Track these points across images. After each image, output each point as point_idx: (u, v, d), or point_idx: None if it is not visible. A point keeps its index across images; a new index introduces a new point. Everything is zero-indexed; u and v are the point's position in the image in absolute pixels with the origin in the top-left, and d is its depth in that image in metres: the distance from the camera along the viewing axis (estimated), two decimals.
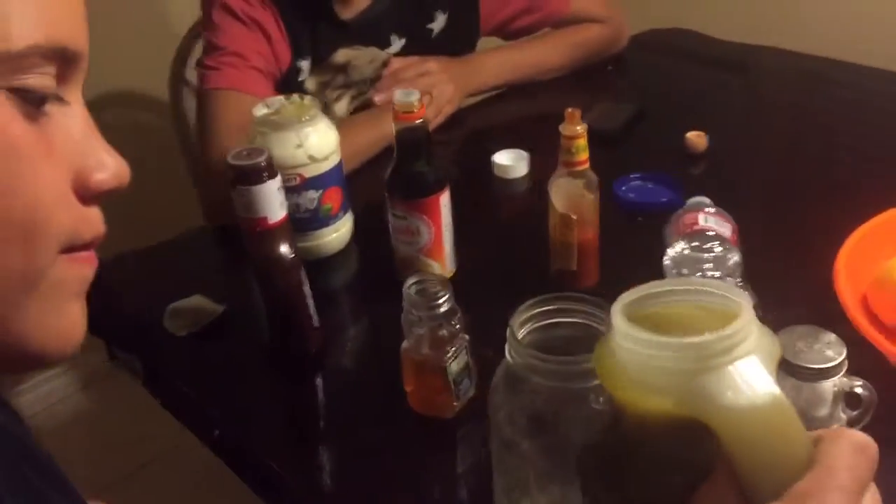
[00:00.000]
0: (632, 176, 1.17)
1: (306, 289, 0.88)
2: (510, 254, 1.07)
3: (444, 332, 0.78)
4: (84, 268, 0.44)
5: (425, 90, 1.31)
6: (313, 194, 1.02)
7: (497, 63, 1.44)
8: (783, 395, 0.43)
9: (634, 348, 0.45)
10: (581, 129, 0.89)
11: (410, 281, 0.79)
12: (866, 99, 1.41)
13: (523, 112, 1.48)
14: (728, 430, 0.42)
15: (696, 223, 0.94)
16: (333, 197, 1.04)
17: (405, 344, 0.81)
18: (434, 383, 0.80)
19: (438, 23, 1.42)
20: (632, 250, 1.01)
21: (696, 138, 1.23)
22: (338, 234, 1.07)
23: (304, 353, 0.90)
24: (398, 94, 0.90)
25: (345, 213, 1.07)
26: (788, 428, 0.43)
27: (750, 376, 0.42)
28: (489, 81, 1.44)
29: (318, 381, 0.92)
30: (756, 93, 1.50)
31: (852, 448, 0.41)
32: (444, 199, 0.94)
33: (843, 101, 1.40)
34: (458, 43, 1.44)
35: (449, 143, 1.36)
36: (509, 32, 1.50)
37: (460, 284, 0.95)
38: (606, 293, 0.96)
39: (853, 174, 1.19)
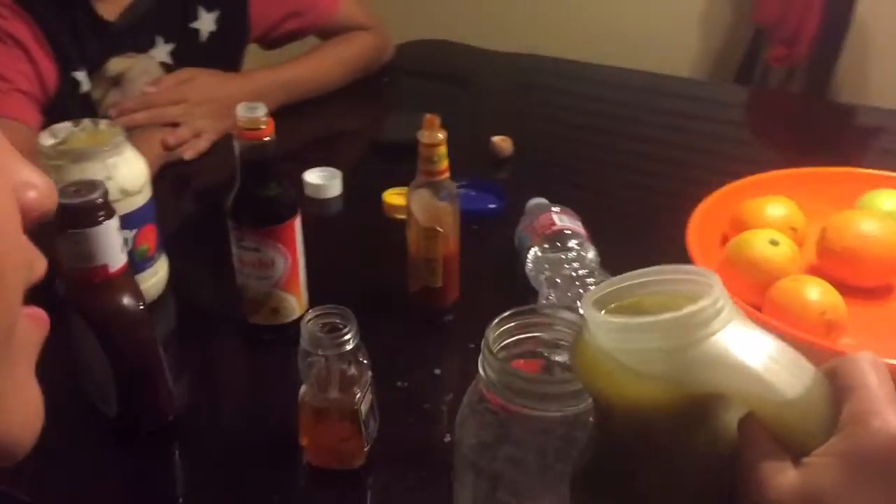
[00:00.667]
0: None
1: (159, 345, 0.74)
2: (360, 278, 0.99)
3: (352, 370, 0.69)
4: (40, 328, 0.34)
5: (174, 121, 1.20)
6: (127, 234, 0.86)
7: (268, 84, 1.34)
8: (780, 340, 0.42)
9: (618, 338, 0.42)
10: (442, 135, 0.85)
11: (309, 317, 0.69)
12: (632, 96, 1.51)
13: (316, 130, 1.39)
14: (745, 388, 0.41)
15: (554, 224, 0.94)
16: (149, 236, 0.90)
17: (304, 390, 0.70)
18: (342, 430, 0.71)
19: (205, 23, 1.31)
20: (480, 260, 0.98)
21: (502, 142, 1.23)
22: (156, 278, 0.92)
23: (161, 423, 0.76)
24: (241, 109, 0.79)
25: (160, 253, 0.93)
26: (799, 365, 0.42)
27: (742, 334, 0.41)
28: (272, 106, 1.34)
29: (181, 453, 0.77)
30: (535, 97, 1.55)
31: (871, 364, 0.42)
32: (298, 225, 0.85)
33: (615, 101, 1.49)
34: (227, 48, 1.34)
35: None
36: (278, 37, 1.41)
37: None
38: (472, 306, 0.94)
39: (664, 160, 1.27)
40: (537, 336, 0.57)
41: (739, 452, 0.42)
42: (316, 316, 0.69)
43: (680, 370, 0.41)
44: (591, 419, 0.54)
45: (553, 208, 0.97)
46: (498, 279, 0.99)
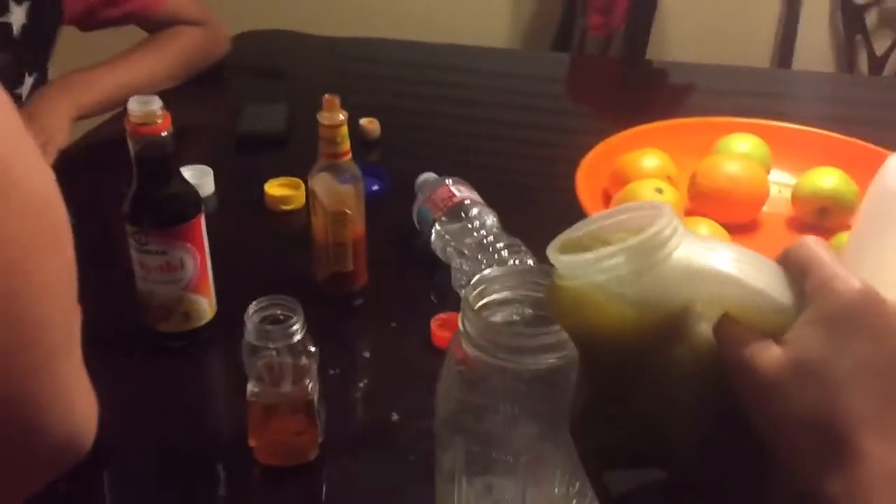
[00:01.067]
0: None
1: None
2: (260, 274, 0.95)
3: (304, 360, 0.67)
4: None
5: None
6: None
7: (102, 86, 1.25)
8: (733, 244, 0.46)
9: (589, 272, 0.44)
10: (343, 116, 0.83)
11: (251, 311, 0.66)
12: (465, 72, 1.55)
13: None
14: (716, 289, 0.43)
15: (454, 195, 0.95)
16: None
17: (253, 388, 0.67)
18: (295, 424, 0.69)
19: (17, 16, 1.19)
20: (376, 241, 0.97)
21: (370, 124, 1.22)
22: None
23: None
24: (133, 103, 0.73)
25: None
26: (757, 258, 0.45)
27: (700, 245, 0.44)
28: (95, 109, 1.25)
29: (117, 480, 0.72)
30: (382, 79, 1.54)
31: (817, 243, 0.43)
32: (203, 222, 0.80)
33: (453, 79, 1.52)
34: (41, 40, 1.24)
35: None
36: (91, 24, 1.31)
37: (228, 318, 0.83)
38: (381, 287, 0.93)
39: (527, 126, 1.31)
40: (514, 294, 0.58)
41: (721, 352, 0.43)
42: (258, 309, 0.66)
43: (652, 290, 0.43)
44: (575, 368, 0.56)
45: (447, 180, 0.98)
46: (400, 258, 0.99)
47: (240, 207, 1.09)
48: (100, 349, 0.74)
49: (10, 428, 0.29)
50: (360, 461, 0.72)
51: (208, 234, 0.86)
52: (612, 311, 0.44)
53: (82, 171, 1.15)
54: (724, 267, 0.43)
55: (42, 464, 0.31)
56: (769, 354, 0.41)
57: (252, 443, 0.70)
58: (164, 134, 0.75)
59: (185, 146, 1.26)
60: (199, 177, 1.09)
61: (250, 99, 1.34)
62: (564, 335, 0.54)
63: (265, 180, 1.10)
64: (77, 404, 0.32)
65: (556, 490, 0.61)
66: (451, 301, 0.89)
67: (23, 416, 0.29)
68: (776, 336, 0.42)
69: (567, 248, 0.47)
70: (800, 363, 0.40)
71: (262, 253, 1.00)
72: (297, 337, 0.66)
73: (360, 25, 1.70)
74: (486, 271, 0.57)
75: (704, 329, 0.44)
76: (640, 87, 1.53)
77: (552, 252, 0.46)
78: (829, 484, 0.38)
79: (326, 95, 0.82)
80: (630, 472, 0.48)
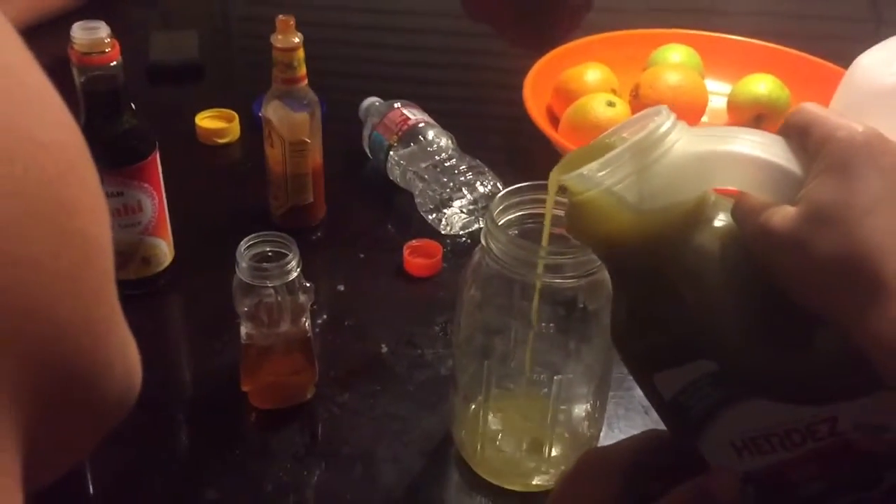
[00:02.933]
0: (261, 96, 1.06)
1: None
2: (211, 212, 0.90)
3: (301, 297, 0.64)
4: None
5: None
6: None
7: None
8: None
9: (600, 180, 0.43)
10: (298, 39, 0.78)
11: (243, 248, 0.62)
12: None
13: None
14: (729, 170, 0.44)
15: (408, 119, 0.91)
16: None
17: (248, 330, 0.64)
18: (293, 364, 0.66)
19: None
20: (329, 169, 0.93)
21: None
22: None
23: None
24: (76, 30, 0.66)
25: None
26: (759, 133, 0.45)
27: (702, 133, 0.45)
28: None
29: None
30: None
31: (813, 105, 0.43)
32: (158, 159, 0.74)
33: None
34: None
35: None
36: None
37: (186, 262, 0.79)
38: (340, 217, 0.90)
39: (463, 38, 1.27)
40: (536, 212, 0.56)
41: (741, 230, 0.43)
42: (249, 246, 0.62)
43: (661, 186, 0.43)
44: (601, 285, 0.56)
45: (396, 104, 0.94)
46: (354, 186, 0.95)
47: (170, 143, 0.99)
48: None
49: (77, 361, 0.24)
50: (357, 396, 0.70)
51: None
52: (628, 215, 0.44)
53: None
54: (730, 147, 0.43)
55: (102, 410, 0.27)
56: (784, 213, 0.40)
57: (245, 387, 0.67)
58: (113, 63, 0.68)
59: None
60: (186, 39, 1.02)
61: (150, 25, 1.25)
62: (588, 252, 0.54)
63: (188, 114, 1.03)
64: (129, 339, 0.28)
65: (581, 407, 0.61)
66: (416, 227, 0.87)
67: (89, 346, 0.25)
68: (790, 199, 0.42)
69: (575, 164, 0.46)
70: (815, 212, 0.39)
71: (207, 189, 0.94)
72: (294, 274, 0.62)
73: None
74: (508, 189, 0.56)
75: (722, 216, 0.44)
76: (545, 4, 1.52)
77: (557, 170, 0.46)
78: (871, 325, 0.37)
79: (280, 16, 0.77)
80: (679, 371, 0.48)
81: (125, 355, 0.28)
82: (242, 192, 0.92)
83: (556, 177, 0.48)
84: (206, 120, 1.00)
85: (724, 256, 0.45)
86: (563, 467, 0.62)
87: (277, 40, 0.78)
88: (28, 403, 0.22)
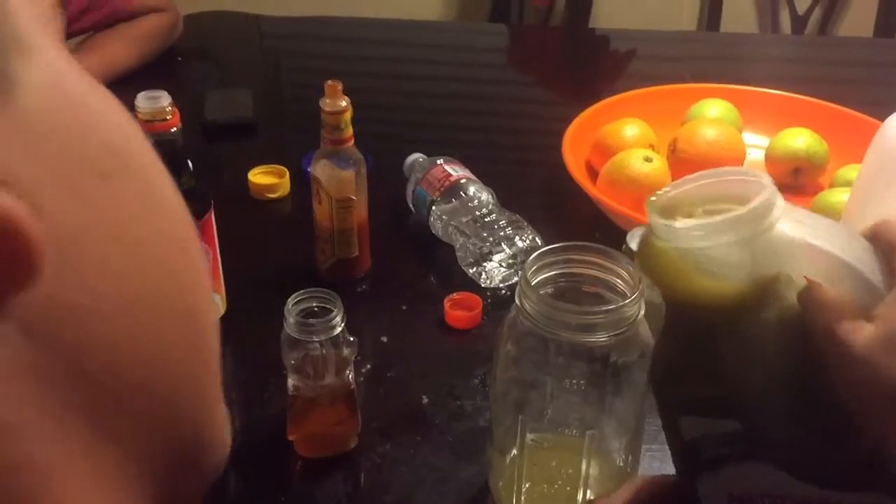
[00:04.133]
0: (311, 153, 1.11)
1: None
2: (261, 265, 0.94)
3: (345, 351, 0.67)
4: None
5: None
6: None
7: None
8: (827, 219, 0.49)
9: (693, 238, 0.45)
10: (345, 102, 0.82)
11: (291, 304, 0.66)
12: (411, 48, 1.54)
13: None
14: (814, 262, 0.45)
15: (450, 175, 0.95)
16: None
17: (294, 382, 0.67)
18: (337, 415, 0.69)
19: None
20: (374, 225, 0.97)
21: None
22: None
23: None
24: (140, 100, 0.71)
25: None
26: (850, 234, 0.47)
27: (800, 216, 0.46)
28: None
29: None
30: (337, 58, 1.52)
31: None
32: (213, 217, 0.79)
33: (402, 55, 1.51)
34: None
35: None
36: (69, 35, 1.27)
37: (238, 314, 0.83)
38: (385, 270, 0.93)
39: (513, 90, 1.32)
40: (568, 271, 0.59)
41: (810, 318, 0.45)
42: (296, 302, 0.66)
43: (751, 258, 0.45)
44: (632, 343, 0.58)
45: (439, 160, 0.98)
46: (398, 240, 0.99)
47: (224, 198, 1.05)
48: None
49: (197, 434, 0.27)
50: (398, 446, 0.72)
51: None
52: (702, 277, 0.46)
53: None
54: (821, 241, 0.45)
55: (209, 470, 0.30)
56: (862, 330, 0.43)
57: (291, 436, 0.70)
58: (173, 130, 0.73)
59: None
60: (242, 96, 1.07)
61: (207, 84, 1.31)
62: (621, 312, 0.56)
63: (240, 169, 1.08)
64: (224, 414, 0.31)
65: (614, 461, 0.63)
66: (458, 280, 0.90)
67: (206, 420, 0.28)
68: (864, 310, 0.44)
69: (668, 204, 0.48)
70: (890, 339, 0.42)
71: (258, 243, 0.99)
72: (339, 329, 0.66)
73: (284, 4, 1.66)
74: (542, 249, 0.58)
75: (794, 297, 0.46)
76: (587, 55, 1.56)
77: (654, 213, 0.47)
78: None
79: (329, 81, 0.81)
80: (705, 420, 0.51)
81: (222, 430, 0.30)
82: (291, 245, 0.96)
83: (654, 215, 0.48)
84: (259, 175, 1.05)
85: (780, 336, 0.47)
86: None
87: (326, 104, 0.82)
88: (159, 473, 0.25)
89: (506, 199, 0.95)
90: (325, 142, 0.84)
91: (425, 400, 0.77)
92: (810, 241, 0.45)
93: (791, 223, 0.45)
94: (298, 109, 1.33)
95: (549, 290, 0.59)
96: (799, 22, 2.27)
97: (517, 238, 0.88)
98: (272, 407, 0.74)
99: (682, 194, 0.49)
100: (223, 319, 0.83)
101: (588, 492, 0.63)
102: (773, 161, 1.05)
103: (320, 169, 0.85)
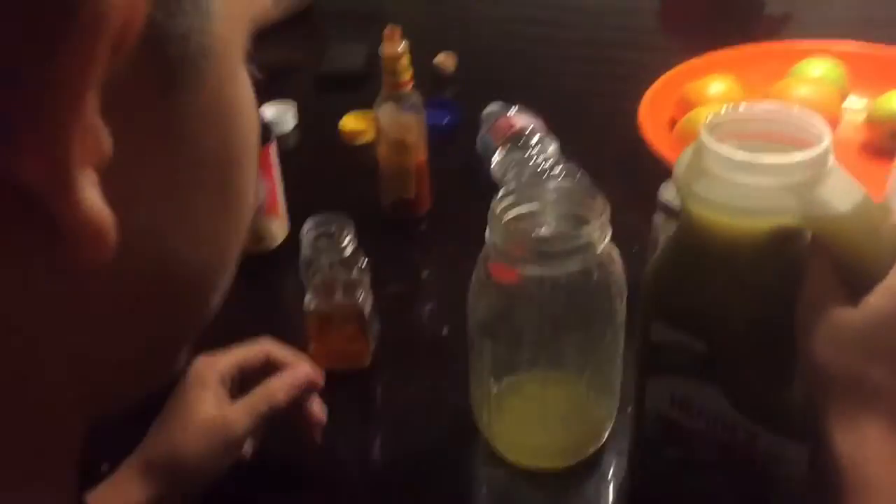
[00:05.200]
0: None
1: None
2: (332, 201, 1.01)
3: (354, 274, 0.72)
4: None
5: None
6: None
7: None
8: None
9: (741, 174, 0.46)
10: (403, 47, 0.87)
11: (307, 227, 0.72)
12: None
13: (258, 64, 1.38)
14: (841, 232, 0.46)
15: (514, 124, 0.97)
16: None
17: (309, 299, 0.74)
18: (348, 333, 0.75)
19: None
20: (444, 171, 1.01)
21: (446, 59, 1.26)
22: None
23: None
24: None
25: None
26: (880, 206, 0.48)
27: (846, 181, 0.47)
28: None
29: None
30: (458, 12, 1.56)
31: None
32: (274, 150, 0.87)
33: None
34: None
35: None
36: None
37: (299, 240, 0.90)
38: (444, 214, 0.97)
39: (610, 48, 1.32)
40: (540, 207, 0.61)
41: (807, 285, 0.46)
42: (314, 226, 0.72)
43: (790, 204, 0.46)
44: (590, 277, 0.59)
45: (510, 109, 1.01)
46: (465, 187, 1.02)
47: (317, 141, 1.15)
48: None
49: (199, 289, 0.30)
50: (411, 369, 0.77)
51: (288, 165, 0.93)
52: (739, 211, 0.47)
53: None
54: (861, 208, 0.46)
55: (172, 364, 0.34)
56: (843, 316, 0.44)
57: (310, 350, 0.76)
58: None
59: (270, 83, 1.33)
60: (282, 113, 1.16)
61: (336, 39, 1.40)
62: (583, 242, 0.57)
63: (341, 116, 1.15)
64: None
65: (578, 389, 0.65)
66: None
67: (212, 283, 0.31)
68: (856, 291, 0.44)
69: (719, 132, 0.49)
70: (866, 338, 0.43)
71: (336, 182, 1.06)
72: (348, 252, 0.71)
73: None
74: (510, 185, 0.61)
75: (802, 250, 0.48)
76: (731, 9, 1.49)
77: (708, 134, 0.48)
78: (837, 437, 0.43)
79: (387, 28, 0.86)
80: (677, 332, 0.53)
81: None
82: (365, 185, 1.02)
83: (704, 132, 0.49)
84: (349, 122, 1.12)
85: (778, 276, 0.49)
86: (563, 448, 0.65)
87: (385, 49, 0.87)
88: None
89: (581, 153, 0.95)
90: (385, 86, 0.89)
91: (445, 331, 0.81)
92: (850, 207, 0.46)
93: (838, 177, 0.46)
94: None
95: (521, 223, 0.61)
96: None
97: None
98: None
99: (739, 119, 0.51)
100: (285, 245, 0.91)
101: (559, 424, 0.65)
102: (872, 123, 0.98)
103: (381, 111, 0.90)
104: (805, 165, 0.46)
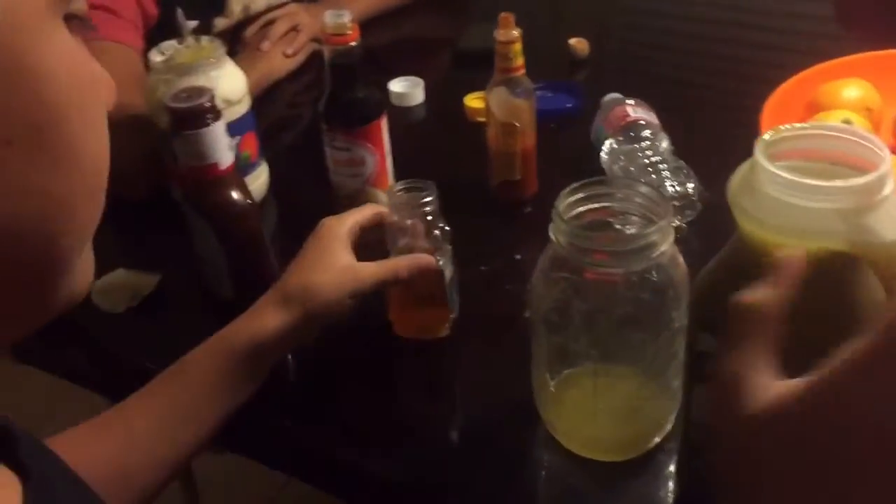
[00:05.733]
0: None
1: (266, 235, 0.83)
2: (444, 176, 1.05)
3: (436, 233, 0.76)
4: None
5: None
6: (232, 141, 0.94)
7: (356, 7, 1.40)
8: None
9: (791, 194, 0.46)
10: (517, 33, 0.89)
11: (396, 188, 0.76)
12: None
13: (400, 41, 1.44)
14: (890, 259, 0.45)
15: (628, 115, 0.97)
16: (250, 143, 0.98)
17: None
18: (428, 299, 0.78)
19: None
20: (558, 156, 1.02)
21: (579, 44, 1.26)
22: (258, 182, 1.01)
23: None
24: (328, 16, 0.85)
25: (261, 160, 1.01)
26: None
27: None
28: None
29: None
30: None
31: None
32: (384, 124, 0.91)
33: None
34: None
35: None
36: None
37: None
38: (550, 198, 0.99)
39: (743, 47, 1.29)
40: (607, 206, 0.62)
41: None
42: (399, 188, 0.76)
43: (841, 230, 0.45)
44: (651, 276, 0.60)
45: (627, 101, 1.00)
46: (575, 172, 1.02)
47: (443, 117, 1.19)
48: (298, 228, 0.88)
49: (47, 252, 0.35)
50: (484, 346, 0.80)
51: (409, 139, 0.97)
52: (790, 231, 0.47)
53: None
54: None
55: (50, 300, 0.37)
56: (769, 392, 0.41)
57: (391, 316, 0.81)
58: (352, 44, 0.85)
59: (407, 58, 1.38)
60: (411, 87, 1.21)
61: (479, 18, 1.43)
62: (648, 241, 0.58)
63: (469, 93, 1.18)
64: (87, 267, 0.39)
65: (639, 387, 0.66)
66: None
67: (58, 229, 0.34)
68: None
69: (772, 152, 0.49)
70: (798, 424, 0.39)
71: (453, 159, 1.09)
72: (428, 209, 0.74)
73: None
74: (575, 184, 0.62)
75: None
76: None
77: (762, 153, 0.48)
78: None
79: (503, 13, 0.88)
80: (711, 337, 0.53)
81: (83, 271, 0.39)
82: (478, 163, 1.05)
83: (759, 151, 0.49)
84: (474, 100, 1.15)
85: (814, 301, 0.47)
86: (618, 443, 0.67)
87: (499, 34, 0.89)
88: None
89: (693, 152, 0.94)
90: (498, 70, 0.92)
91: (527, 314, 0.83)
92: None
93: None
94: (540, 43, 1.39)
95: (583, 223, 0.63)
96: None
97: (668, 183, 0.89)
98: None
99: (803, 136, 0.50)
100: None
101: (620, 419, 0.67)
102: None
103: (492, 94, 0.93)
104: (856, 190, 0.45)
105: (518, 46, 0.89)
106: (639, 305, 0.61)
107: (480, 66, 1.30)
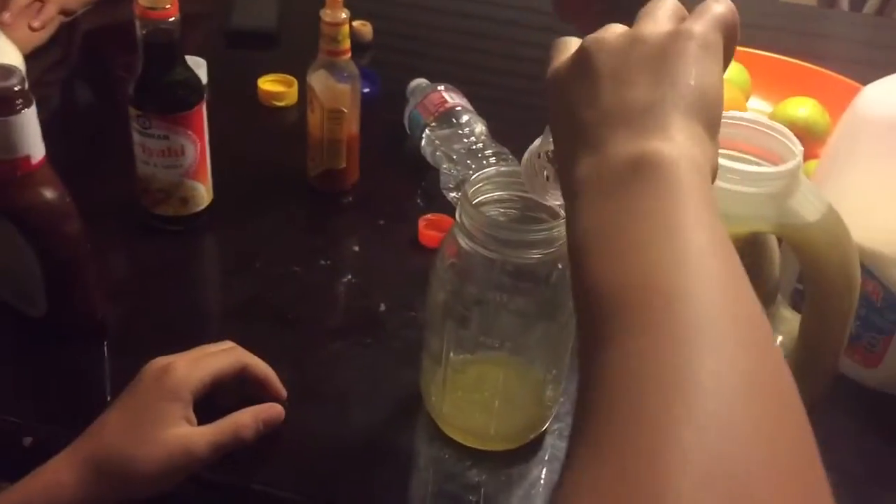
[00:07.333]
0: None
1: (86, 238, 0.71)
2: (254, 166, 0.98)
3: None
4: None
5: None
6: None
7: None
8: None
9: (730, 179, 0.48)
10: (345, 14, 0.85)
11: None
12: None
13: None
14: (810, 242, 0.49)
15: (446, 101, 0.97)
16: None
17: None
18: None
19: None
20: (369, 142, 1.00)
21: (362, 27, 1.23)
22: None
23: (93, 319, 0.74)
24: None
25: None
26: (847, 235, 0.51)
27: (815, 193, 0.50)
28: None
29: (113, 350, 0.75)
30: None
31: None
32: (204, 110, 0.82)
33: None
34: None
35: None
36: None
37: (223, 206, 0.87)
38: (371, 186, 0.96)
39: (530, 29, 1.33)
40: (507, 193, 0.61)
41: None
42: None
43: (766, 212, 0.49)
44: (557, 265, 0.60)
45: (439, 87, 1.00)
46: (390, 159, 1.02)
47: (233, 101, 1.10)
48: (101, 229, 0.77)
49: None
50: (348, 344, 0.76)
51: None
52: (739, 219, 0.49)
53: (93, 47, 1.18)
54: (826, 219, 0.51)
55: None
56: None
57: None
58: (171, 20, 0.76)
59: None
60: (193, 68, 1.10)
61: None
62: (552, 233, 0.58)
63: (256, 76, 1.11)
64: None
65: (535, 375, 0.66)
66: (438, 203, 0.92)
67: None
68: None
69: None
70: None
71: (255, 146, 1.02)
72: None
73: None
74: (486, 171, 0.61)
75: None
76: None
77: None
78: (579, 166, 0.42)
79: None
80: None
81: None
82: (288, 152, 0.99)
83: None
84: (269, 83, 1.08)
85: None
86: (513, 431, 0.67)
87: (326, 14, 0.84)
88: None
89: (502, 134, 0.97)
90: (322, 52, 0.87)
91: (383, 307, 0.80)
92: (819, 217, 0.49)
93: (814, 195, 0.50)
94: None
95: (491, 210, 0.62)
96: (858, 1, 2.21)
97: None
98: (245, 292, 0.79)
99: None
100: (209, 207, 0.87)
101: (506, 406, 0.67)
102: None
103: (315, 79, 0.88)
104: (783, 176, 0.49)
105: (346, 29, 0.85)
106: (536, 294, 0.62)
107: (258, 47, 1.24)
